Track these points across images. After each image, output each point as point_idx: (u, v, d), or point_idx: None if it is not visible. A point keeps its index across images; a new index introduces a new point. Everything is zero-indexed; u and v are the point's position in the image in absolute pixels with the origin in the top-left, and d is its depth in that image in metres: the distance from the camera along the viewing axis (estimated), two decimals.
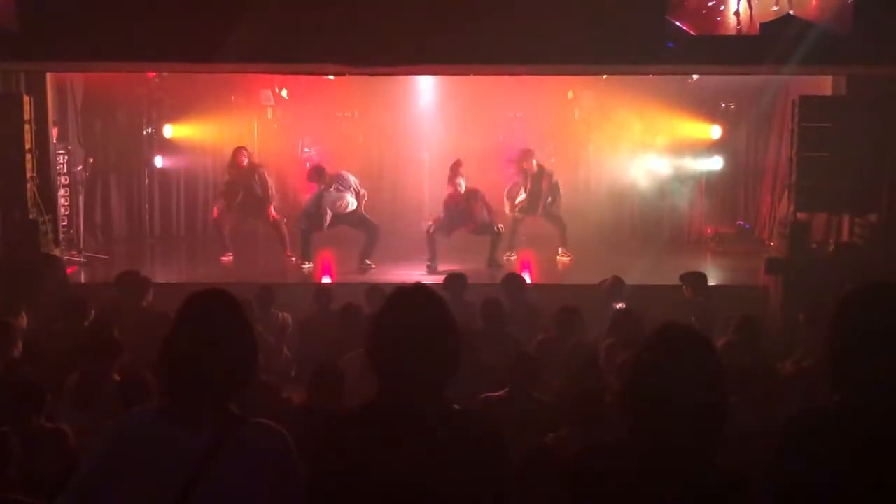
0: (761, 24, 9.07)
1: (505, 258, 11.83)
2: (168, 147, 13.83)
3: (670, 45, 9.02)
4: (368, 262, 11.40)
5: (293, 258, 11.76)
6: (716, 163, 13.64)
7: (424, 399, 2.60)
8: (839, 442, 2.54)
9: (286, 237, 11.96)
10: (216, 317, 2.72)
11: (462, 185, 11.48)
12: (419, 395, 2.59)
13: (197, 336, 2.68)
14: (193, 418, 2.64)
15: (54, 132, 11.02)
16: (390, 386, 2.63)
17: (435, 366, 2.60)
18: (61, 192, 11.52)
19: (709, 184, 13.80)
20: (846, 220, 10.38)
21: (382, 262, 11.35)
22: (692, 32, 9.12)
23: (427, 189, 13.77)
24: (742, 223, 13.88)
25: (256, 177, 11.82)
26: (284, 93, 13.69)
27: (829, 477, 2.52)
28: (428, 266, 11.21)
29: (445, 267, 10.13)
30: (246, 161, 11.85)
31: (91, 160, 12.84)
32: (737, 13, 9.27)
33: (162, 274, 11.04)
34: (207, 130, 13.77)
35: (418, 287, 2.78)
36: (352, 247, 11.59)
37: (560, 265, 11.85)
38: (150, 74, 12.83)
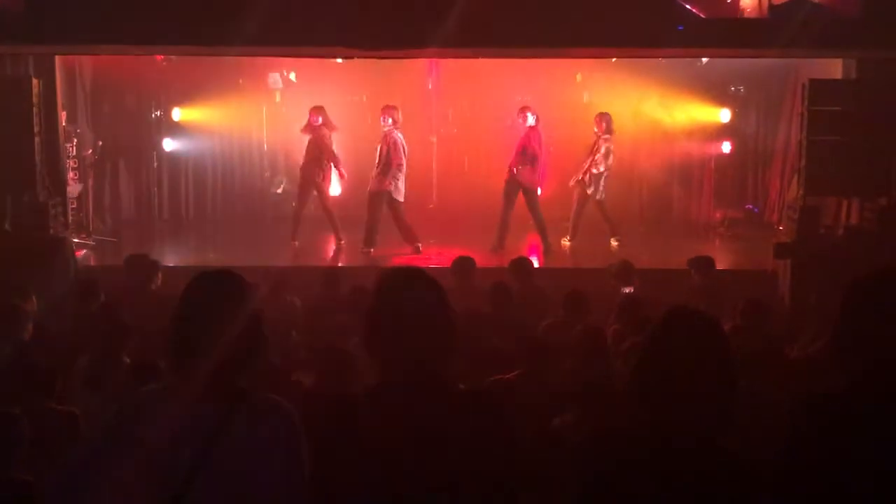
0: (771, 7, 9.02)
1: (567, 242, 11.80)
2: (177, 130, 13.85)
3: (680, 28, 8.99)
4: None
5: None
6: (725, 146, 13.61)
7: (423, 380, 2.60)
8: (848, 427, 2.54)
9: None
10: (223, 296, 2.72)
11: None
12: (417, 376, 2.60)
13: (204, 315, 2.69)
14: (200, 396, 2.66)
15: (63, 115, 11.03)
16: (388, 369, 2.64)
17: (429, 346, 2.60)
18: (70, 174, 11.54)
19: (718, 167, 13.76)
20: (855, 203, 10.33)
21: (390, 245, 11.33)
22: (702, 15, 9.08)
23: (435, 172, 13.77)
24: (751, 207, 13.84)
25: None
26: (293, 76, 13.69)
27: (837, 462, 2.53)
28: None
29: (452, 252, 9.70)
30: None
31: (100, 143, 12.87)
32: None
33: (171, 257, 11.04)
34: (216, 114, 13.79)
35: (407, 269, 2.78)
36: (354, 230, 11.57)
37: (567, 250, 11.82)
38: (159, 57, 12.81)
